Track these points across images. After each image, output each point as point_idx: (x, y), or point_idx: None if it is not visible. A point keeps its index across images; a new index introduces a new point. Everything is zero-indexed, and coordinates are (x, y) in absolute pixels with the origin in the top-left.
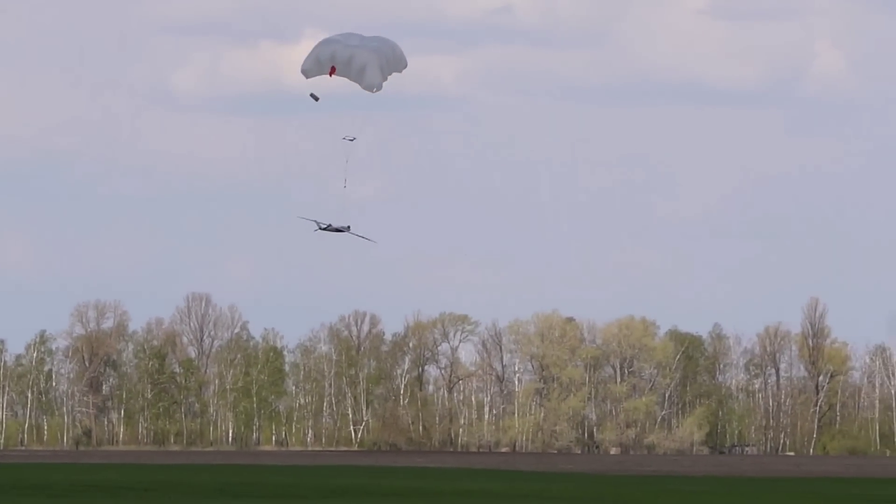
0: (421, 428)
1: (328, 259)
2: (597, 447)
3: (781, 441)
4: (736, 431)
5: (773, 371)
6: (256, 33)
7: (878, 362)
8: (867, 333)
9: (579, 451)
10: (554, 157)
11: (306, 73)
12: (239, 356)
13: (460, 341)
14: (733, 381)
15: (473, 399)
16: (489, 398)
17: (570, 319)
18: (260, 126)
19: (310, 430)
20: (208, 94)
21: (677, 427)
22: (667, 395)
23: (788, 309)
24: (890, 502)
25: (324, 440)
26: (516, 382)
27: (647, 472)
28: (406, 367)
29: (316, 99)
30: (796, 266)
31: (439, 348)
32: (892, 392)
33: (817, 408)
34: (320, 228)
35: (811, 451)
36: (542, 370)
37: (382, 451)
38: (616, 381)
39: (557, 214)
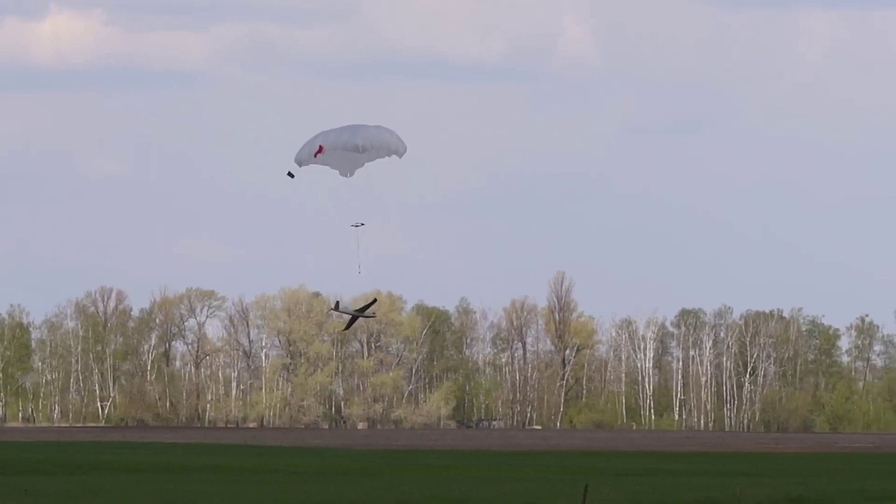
0: (168, 403)
1: (73, 235)
2: (344, 422)
3: (528, 415)
4: (483, 405)
5: (520, 345)
6: (1, 9)
7: (624, 336)
8: (613, 307)
9: (327, 426)
10: (302, 133)
11: (300, 162)
12: None
13: (207, 317)
14: (480, 355)
15: (220, 375)
16: (236, 374)
17: (317, 294)
18: (6, 102)
19: (57, 407)
20: None
21: (424, 401)
22: (414, 370)
23: (535, 283)
24: (634, 475)
25: (71, 416)
26: (263, 358)
27: (395, 446)
28: (153, 342)
29: (292, 176)
30: (542, 240)
31: (186, 324)
32: (639, 366)
33: (564, 382)
34: (337, 310)
35: (558, 424)
36: (290, 345)
37: (130, 427)
38: (363, 356)
39: (304, 189)
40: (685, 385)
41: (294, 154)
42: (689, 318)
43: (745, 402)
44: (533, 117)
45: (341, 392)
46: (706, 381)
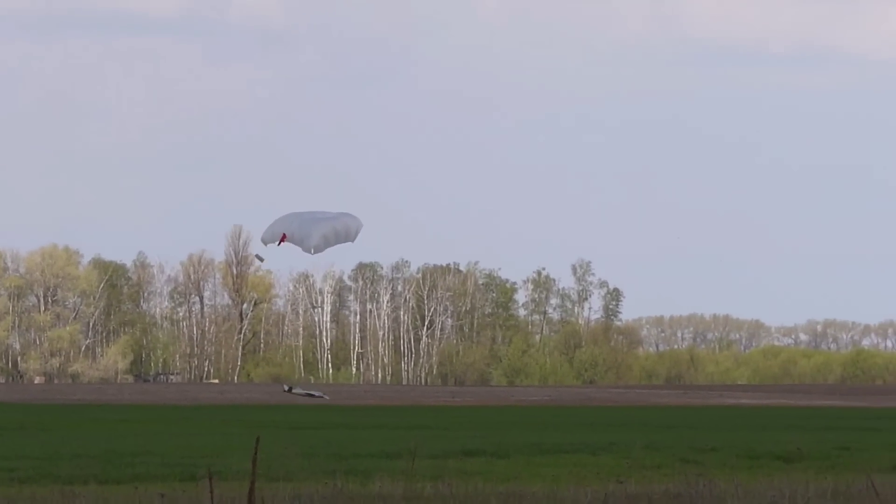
0: None
1: None
2: (21, 376)
3: (206, 369)
4: (160, 359)
5: (198, 299)
6: None
7: (301, 290)
8: (290, 261)
9: (3, 381)
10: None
11: (264, 241)
12: None
13: None
14: (158, 309)
15: None
16: None
17: None
18: None
19: None
20: None
21: (102, 356)
22: (91, 324)
23: (212, 237)
24: (311, 428)
25: None
26: None
27: (72, 401)
28: None
29: (261, 260)
30: (219, 194)
31: None
32: (316, 319)
33: (241, 336)
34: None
35: (235, 378)
36: None
37: None
38: (40, 311)
39: None
40: (363, 339)
41: (262, 233)
42: (367, 272)
43: (422, 355)
44: (212, 72)
45: (18, 346)
46: (384, 335)
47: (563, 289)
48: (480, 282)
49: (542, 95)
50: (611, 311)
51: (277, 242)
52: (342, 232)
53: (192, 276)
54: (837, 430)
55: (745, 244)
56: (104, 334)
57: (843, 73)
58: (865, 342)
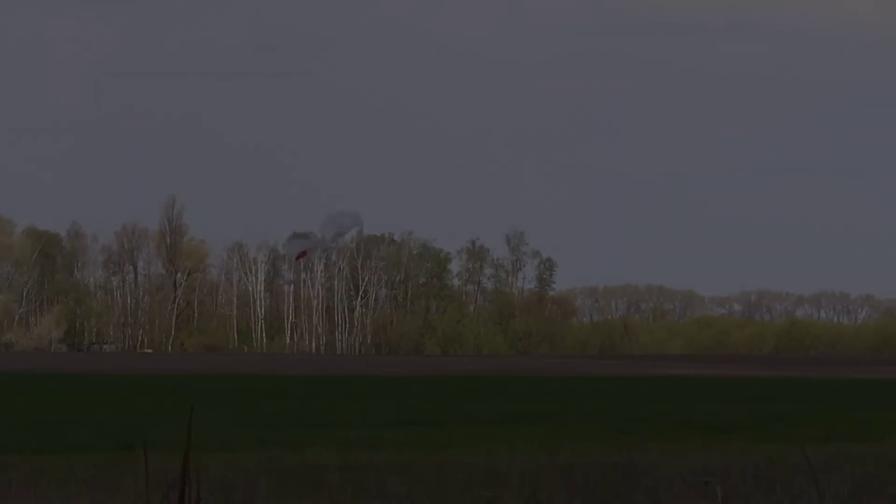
0: None
1: None
2: None
3: (140, 338)
4: (94, 329)
5: (132, 268)
6: None
7: (235, 259)
8: (225, 231)
9: None
10: None
11: (286, 253)
12: None
13: None
14: (91, 278)
15: None
16: None
17: None
18: None
19: None
20: None
21: (36, 325)
22: (25, 293)
23: (146, 207)
24: (245, 398)
25: None
26: None
27: (5, 370)
28: None
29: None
30: (153, 164)
31: None
32: (250, 289)
33: (175, 305)
34: None
35: (169, 347)
36: None
37: None
38: None
39: None
40: (297, 308)
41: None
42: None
43: (356, 325)
44: (135, 38)
45: None
46: (318, 304)
47: (497, 259)
48: (415, 251)
49: (472, 65)
50: (544, 280)
51: (297, 258)
52: (347, 225)
53: (125, 246)
54: (772, 400)
55: (678, 214)
56: (38, 303)
57: (778, 42)
58: (799, 312)
